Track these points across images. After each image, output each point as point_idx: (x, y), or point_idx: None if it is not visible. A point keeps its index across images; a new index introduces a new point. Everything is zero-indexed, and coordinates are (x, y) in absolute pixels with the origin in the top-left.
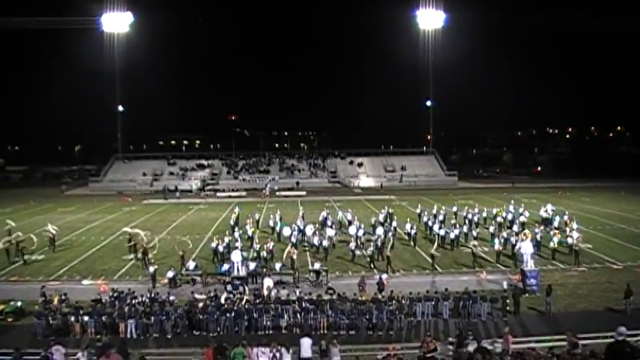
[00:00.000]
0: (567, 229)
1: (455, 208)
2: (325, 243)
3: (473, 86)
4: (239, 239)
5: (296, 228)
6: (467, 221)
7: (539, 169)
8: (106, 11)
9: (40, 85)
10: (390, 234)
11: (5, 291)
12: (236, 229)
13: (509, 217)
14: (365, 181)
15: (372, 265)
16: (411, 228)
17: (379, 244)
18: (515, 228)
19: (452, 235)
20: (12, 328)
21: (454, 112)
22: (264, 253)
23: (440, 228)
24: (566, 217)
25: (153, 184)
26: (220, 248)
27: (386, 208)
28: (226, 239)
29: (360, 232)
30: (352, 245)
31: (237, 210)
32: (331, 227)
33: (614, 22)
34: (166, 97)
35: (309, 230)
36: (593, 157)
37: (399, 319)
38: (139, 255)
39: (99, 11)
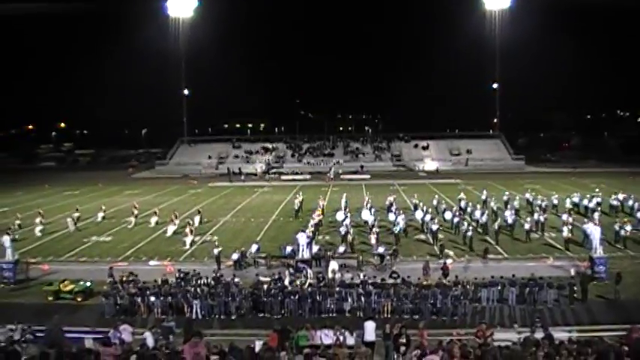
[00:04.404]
0: None
1: (527, 195)
2: (399, 227)
3: (540, 68)
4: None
5: (349, 213)
6: (538, 208)
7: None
8: None
9: (106, 70)
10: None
11: (75, 271)
12: (300, 214)
13: (584, 202)
14: (430, 164)
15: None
16: (482, 215)
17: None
18: (597, 215)
19: (526, 226)
20: (81, 308)
21: (521, 95)
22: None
23: (511, 215)
24: None
25: (218, 167)
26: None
27: (462, 194)
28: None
29: (427, 217)
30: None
31: (300, 195)
32: (395, 212)
33: None
34: (231, 80)
35: (367, 215)
36: None
37: (463, 304)
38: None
39: None
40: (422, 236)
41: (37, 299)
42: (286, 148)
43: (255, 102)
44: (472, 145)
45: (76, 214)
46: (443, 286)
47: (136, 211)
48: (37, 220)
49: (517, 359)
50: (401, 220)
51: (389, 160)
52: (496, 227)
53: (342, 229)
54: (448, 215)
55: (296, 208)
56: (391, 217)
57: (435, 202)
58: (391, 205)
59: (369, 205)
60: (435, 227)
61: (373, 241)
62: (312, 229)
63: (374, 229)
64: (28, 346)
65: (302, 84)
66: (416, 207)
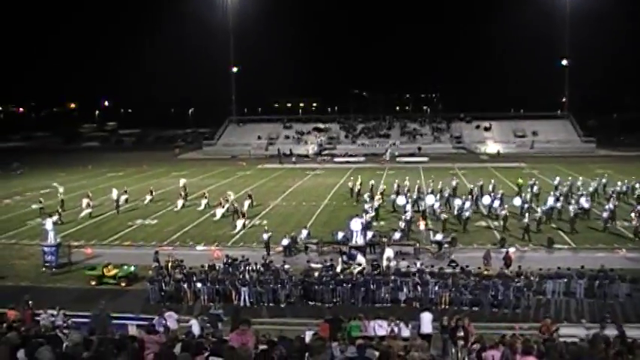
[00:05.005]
0: None
1: (604, 180)
2: (467, 213)
3: (614, 42)
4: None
5: (411, 198)
6: (612, 194)
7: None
8: None
9: (152, 46)
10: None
11: (119, 255)
12: (359, 197)
13: None
14: (492, 146)
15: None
16: (556, 201)
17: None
18: None
19: (604, 215)
20: (125, 293)
21: (593, 72)
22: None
23: (587, 201)
24: None
25: (268, 149)
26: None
27: (534, 179)
28: (376, 202)
29: (496, 203)
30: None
31: (359, 178)
32: (461, 197)
33: None
34: (282, 57)
35: (431, 200)
36: None
37: (526, 296)
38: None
39: None
40: (482, 223)
41: (79, 284)
42: (339, 128)
43: (307, 80)
44: (538, 126)
45: (124, 196)
46: (505, 276)
47: (183, 193)
48: (85, 202)
49: (585, 357)
50: (468, 206)
51: (448, 142)
52: (572, 214)
53: (408, 215)
54: (517, 201)
55: (356, 190)
56: (457, 202)
57: (490, 187)
58: (443, 190)
59: (429, 189)
60: (503, 213)
61: (422, 227)
62: (373, 214)
63: (442, 215)
64: (70, 332)
65: (356, 61)
66: (471, 192)
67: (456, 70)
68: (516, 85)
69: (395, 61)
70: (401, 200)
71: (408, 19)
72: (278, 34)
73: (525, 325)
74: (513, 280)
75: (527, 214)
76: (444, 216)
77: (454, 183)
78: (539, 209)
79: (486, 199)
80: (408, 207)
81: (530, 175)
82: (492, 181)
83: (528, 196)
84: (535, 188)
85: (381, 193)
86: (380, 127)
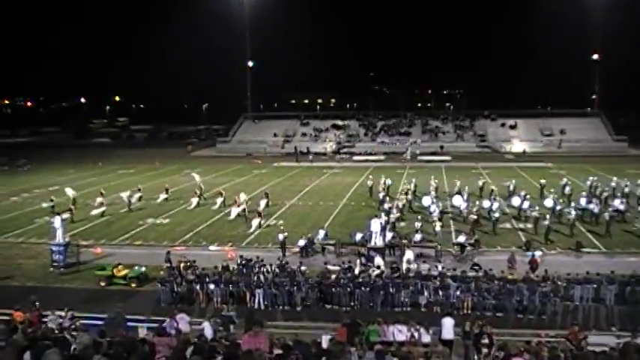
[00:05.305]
0: None
1: (639, 181)
2: (497, 214)
3: None
4: None
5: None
6: None
7: None
8: None
9: (165, 40)
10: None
11: (129, 255)
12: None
13: None
14: (518, 145)
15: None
16: (588, 202)
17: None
18: None
19: None
20: (135, 294)
21: (625, 67)
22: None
23: (621, 203)
24: None
25: (284, 146)
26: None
27: (565, 180)
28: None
29: (525, 205)
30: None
31: (382, 177)
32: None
33: None
34: (299, 52)
35: (458, 201)
36: None
37: (553, 302)
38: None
39: None
40: (507, 225)
41: (88, 284)
42: (359, 125)
43: (325, 75)
44: (566, 124)
45: (138, 194)
46: (530, 281)
47: (199, 191)
48: (98, 200)
49: None
50: (496, 207)
51: (472, 141)
52: (607, 217)
53: (434, 216)
54: (549, 203)
55: (380, 189)
56: (485, 203)
57: (511, 188)
58: (462, 190)
59: (455, 190)
60: (534, 215)
61: (438, 228)
62: (398, 214)
63: (470, 216)
64: (79, 334)
65: (376, 56)
66: (491, 192)
67: (481, 65)
68: (544, 82)
69: (416, 56)
70: (426, 200)
71: (429, 13)
72: (295, 27)
73: (552, 332)
74: (539, 284)
75: (547, 216)
76: (472, 217)
77: (480, 183)
78: (572, 211)
79: (516, 200)
80: (434, 207)
81: (561, 176)
82: (513, 181)
83: (552, 196)
84: (567, 189)
85: (405, 193)
86: (401, 124)
